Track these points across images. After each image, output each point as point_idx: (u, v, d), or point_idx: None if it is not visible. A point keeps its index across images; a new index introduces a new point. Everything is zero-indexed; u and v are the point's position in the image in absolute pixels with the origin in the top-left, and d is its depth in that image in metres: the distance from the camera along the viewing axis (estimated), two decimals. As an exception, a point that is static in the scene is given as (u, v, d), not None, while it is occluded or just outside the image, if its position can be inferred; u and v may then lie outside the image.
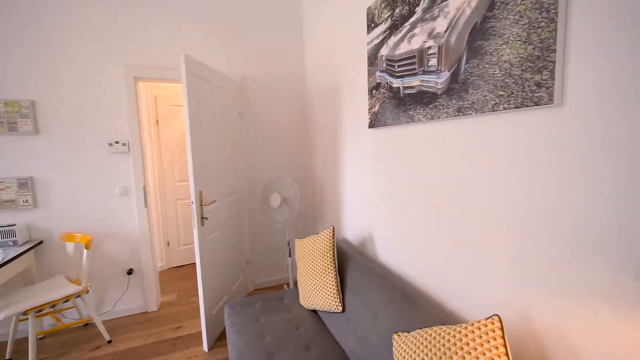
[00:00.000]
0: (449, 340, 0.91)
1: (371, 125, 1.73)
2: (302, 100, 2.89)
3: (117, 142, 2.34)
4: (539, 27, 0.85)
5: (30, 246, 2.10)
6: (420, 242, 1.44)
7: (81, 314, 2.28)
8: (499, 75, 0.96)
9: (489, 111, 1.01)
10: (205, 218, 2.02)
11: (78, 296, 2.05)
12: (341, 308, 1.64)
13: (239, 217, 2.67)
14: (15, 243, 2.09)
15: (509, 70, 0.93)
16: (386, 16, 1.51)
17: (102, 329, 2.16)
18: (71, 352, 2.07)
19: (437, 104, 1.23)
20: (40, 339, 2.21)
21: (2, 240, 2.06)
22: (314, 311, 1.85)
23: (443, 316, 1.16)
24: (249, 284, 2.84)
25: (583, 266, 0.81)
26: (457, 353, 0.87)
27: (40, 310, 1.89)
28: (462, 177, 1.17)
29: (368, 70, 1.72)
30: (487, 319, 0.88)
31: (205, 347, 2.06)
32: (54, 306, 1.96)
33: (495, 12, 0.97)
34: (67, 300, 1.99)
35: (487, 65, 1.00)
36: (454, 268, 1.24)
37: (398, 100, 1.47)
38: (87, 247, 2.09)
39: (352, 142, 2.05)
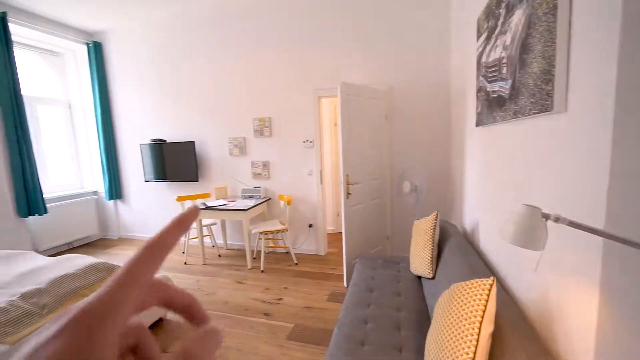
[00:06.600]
0: (456, 292, 1.24)
1: (477, 124, 1.91)
2: (445, 103, 3.11)
3: (307, 140, 3.61)
4: (548, 46, 1.00)
5: (265, 200, 3.75)
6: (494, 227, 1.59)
7: (285, 243, 3.77)
8: (531, 84, 1.12)
9: (526, 115, 1.17)
10: (350, 193, 2.86)
11: (283, 232, 3.47)
12: (432, 275, 2.02)
13: (381, 198, 3.34)
14: (259, 197, 3.80)
15: (535, 81, 1.09)
16: (485, 27, 1.69)
17: (293, 256, 3.54)
18: (277, 263, 3.57)
19: (505, 107, 1.40)
20: (267, 253, 3.90)
21: (256, 194, 3.81)
22: (419, 277, 2.28)
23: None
24: (387, 253, 3.48)
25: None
26: (455, 300, 1.20)
27: (266, 234, 3.43)
28: (519, 171, 1.32)
29: (476, 75, 1.90)
30: (486, 279, 1.15)
31: (345, 283, 2.95)
32: (272, 234, 3.45)
33: (531, 31, 1.12)
34: (278, 233, 3.45)
35: (526, 76, 1.16)
36: (520, 254, 1.39)
37: (489, 102, 1.65)
38: (288, 204, 3.48)
39: (469, 140, 2.22)
